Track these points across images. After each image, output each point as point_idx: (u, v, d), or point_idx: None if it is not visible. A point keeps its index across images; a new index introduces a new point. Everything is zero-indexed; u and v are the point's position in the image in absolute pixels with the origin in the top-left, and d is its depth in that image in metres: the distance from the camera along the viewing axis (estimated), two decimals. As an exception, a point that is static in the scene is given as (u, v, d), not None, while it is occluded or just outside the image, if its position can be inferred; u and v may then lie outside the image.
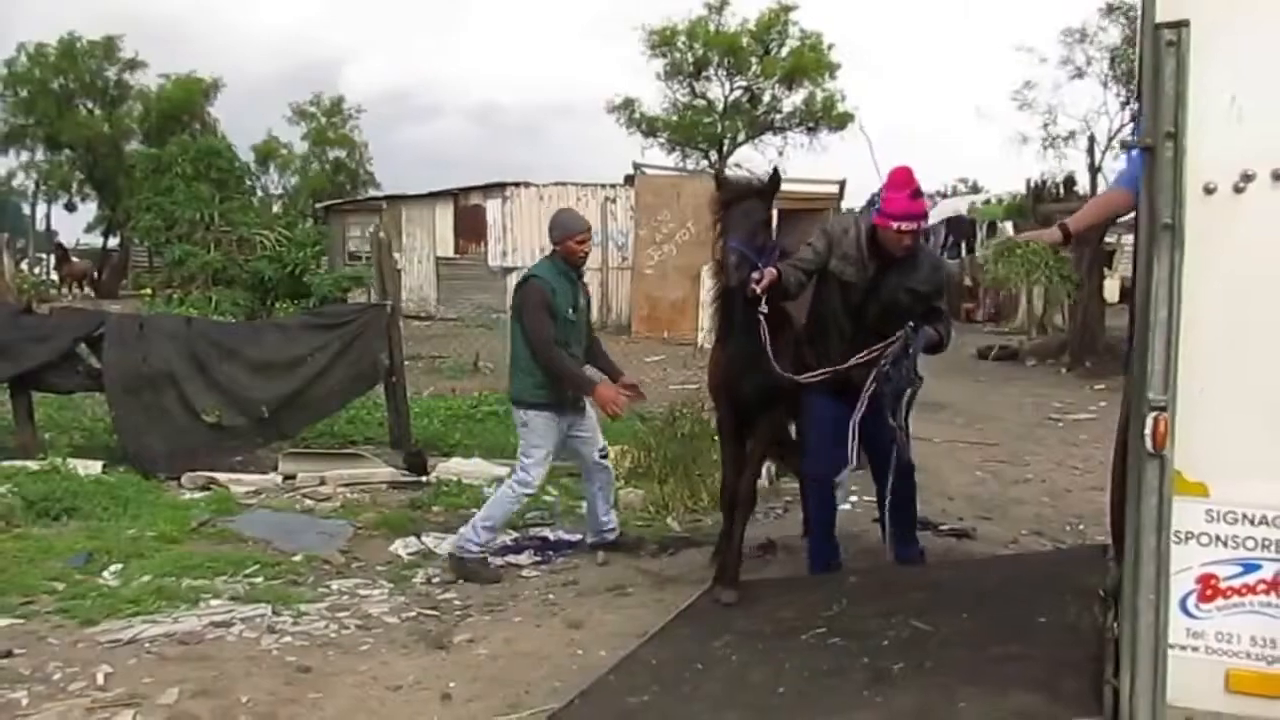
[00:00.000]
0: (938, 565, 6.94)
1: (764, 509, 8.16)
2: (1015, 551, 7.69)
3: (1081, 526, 8.27)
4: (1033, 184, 26.08)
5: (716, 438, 9.15)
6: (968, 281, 28.46)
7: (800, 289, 6.22)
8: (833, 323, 6.27)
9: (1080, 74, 31.22)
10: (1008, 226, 31.02)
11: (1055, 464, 10.73)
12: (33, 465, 9.02)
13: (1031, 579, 6.35)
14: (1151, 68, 3.62)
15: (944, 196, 43.77)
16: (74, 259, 41.85)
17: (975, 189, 50.98)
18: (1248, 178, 3.59)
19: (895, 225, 6.03)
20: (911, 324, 6.04)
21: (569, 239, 7.16)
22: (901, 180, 6.11)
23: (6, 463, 9.18)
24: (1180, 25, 3.54)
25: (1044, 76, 30.44)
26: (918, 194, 6.16)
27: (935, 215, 30.05)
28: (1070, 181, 27.84)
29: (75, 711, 4.91)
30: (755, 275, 5.76)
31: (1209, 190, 3.60)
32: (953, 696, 4.54)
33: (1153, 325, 3.61)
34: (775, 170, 6.27)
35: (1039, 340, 21.75)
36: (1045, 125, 31.00)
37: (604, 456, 7.55)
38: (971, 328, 25.88)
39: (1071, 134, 33.43)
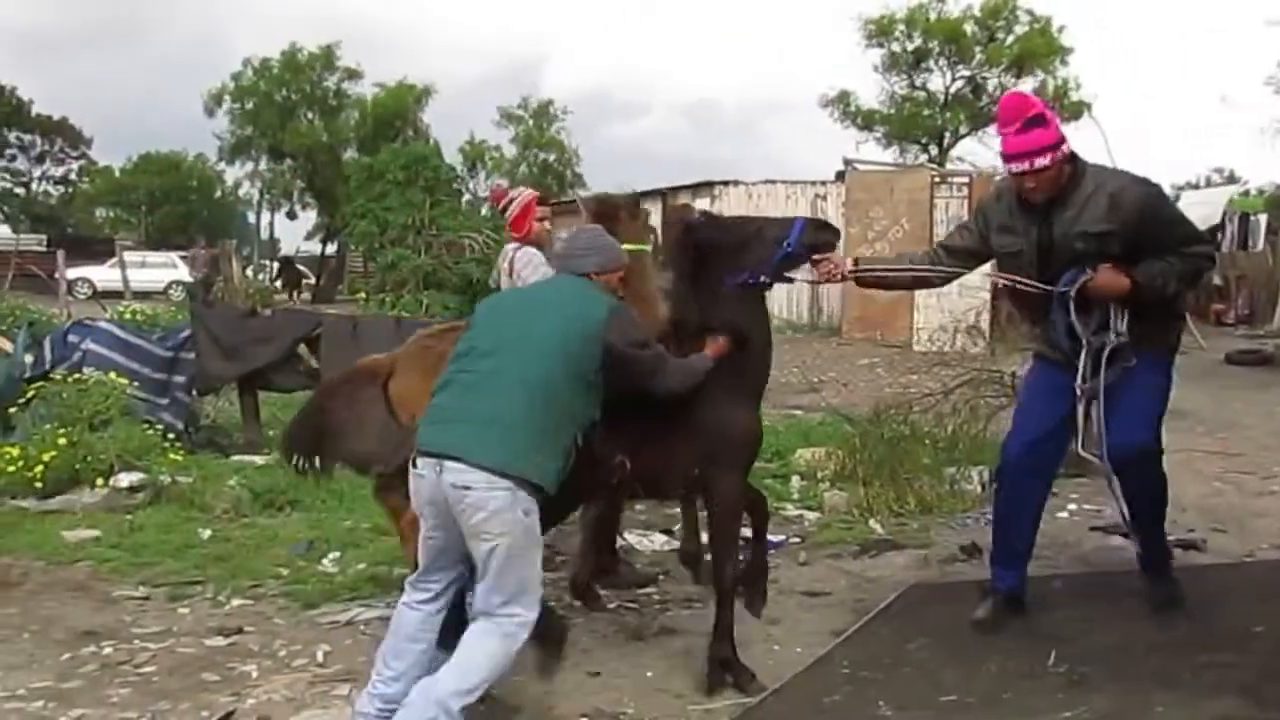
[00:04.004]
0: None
1: (976, 514, 7.99)
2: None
3: (1336, 543, 7.17)
4: None
5: (927, 441, 8.98)
6: (1217, 280, 26.11)
7: (934, 274, 5.57)
8: (1033, 300, 5.37)
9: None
10: (1261, 221, 29.36)
11: (1310, 476, 9.63)
12: (259, 460, 9.49)
13: (1254, 588, 6.13)
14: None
15: (1194, 188, 41.65)
16: (299, 267, 43.48)
17: (1232, 179, 48.45)
18: None
19: (1010, 168, 5.14)
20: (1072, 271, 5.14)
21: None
22: (1009, 112, 5.14)
23: (235, 458, 9.73)
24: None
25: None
26: (1033, 123, 5.05)
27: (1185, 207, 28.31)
28: (1338, 170, 25.46)
29: (299, 685, 5.22)
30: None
31: None
32: (1149, 701, 4.47)
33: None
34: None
35: (1299, 343, 19.43)
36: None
37: None
38: (1221, 330, 24.27)
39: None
